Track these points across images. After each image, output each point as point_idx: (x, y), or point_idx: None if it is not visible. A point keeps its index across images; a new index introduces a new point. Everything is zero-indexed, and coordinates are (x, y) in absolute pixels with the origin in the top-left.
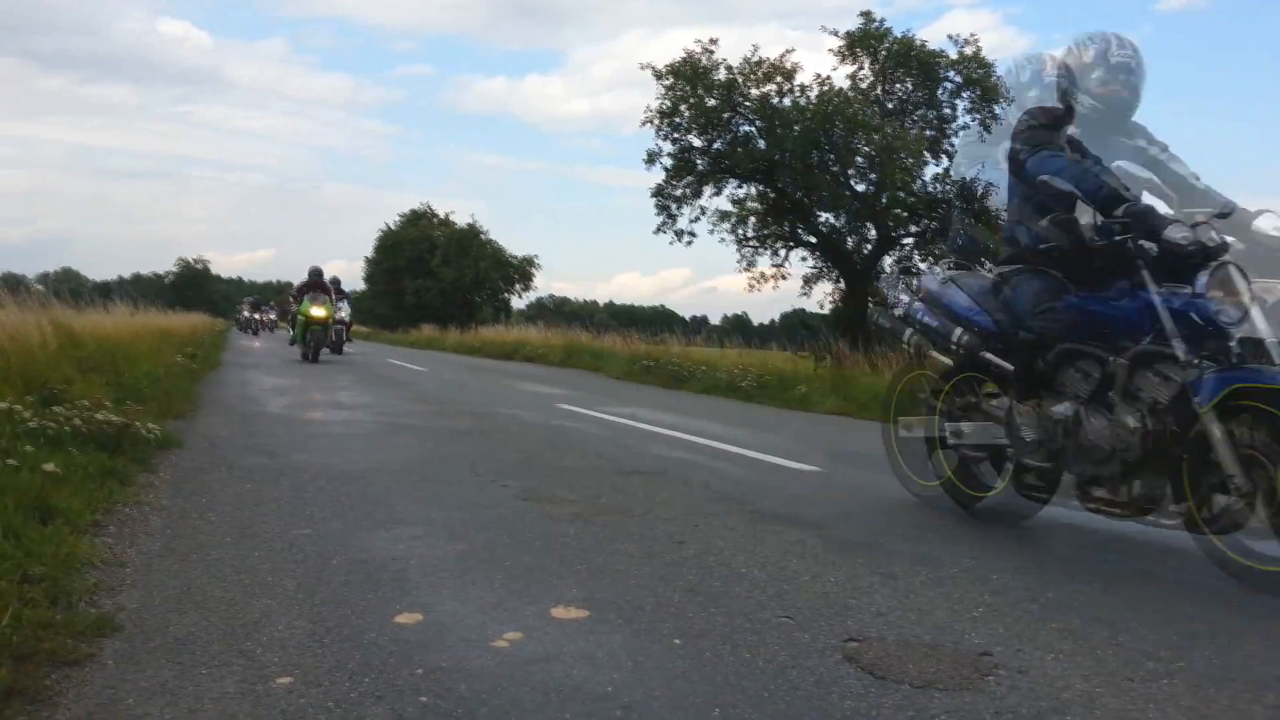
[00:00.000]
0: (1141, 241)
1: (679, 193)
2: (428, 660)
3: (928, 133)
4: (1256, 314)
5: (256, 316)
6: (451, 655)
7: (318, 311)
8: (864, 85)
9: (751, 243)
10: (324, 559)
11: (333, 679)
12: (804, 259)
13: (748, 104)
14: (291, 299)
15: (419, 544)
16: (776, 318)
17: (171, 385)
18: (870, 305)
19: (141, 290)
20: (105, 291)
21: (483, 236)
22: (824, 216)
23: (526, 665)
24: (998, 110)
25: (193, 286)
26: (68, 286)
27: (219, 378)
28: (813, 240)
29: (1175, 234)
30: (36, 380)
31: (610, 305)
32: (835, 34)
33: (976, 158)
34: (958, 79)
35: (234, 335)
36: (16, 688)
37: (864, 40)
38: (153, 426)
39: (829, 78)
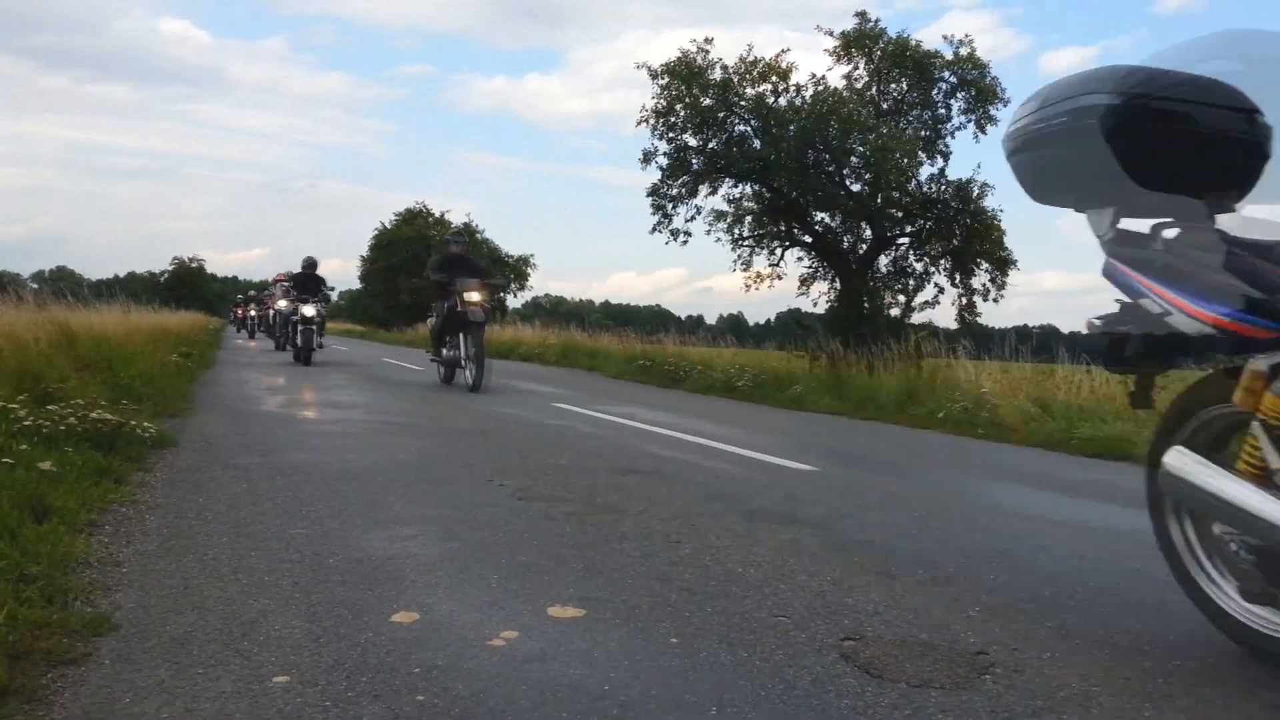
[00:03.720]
0: None
1: (674, 192)
2: (425, 659)
3: (923, 133)
4: None
5: (307, 312)
6: (448, 654)
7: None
8: (859, 85)
9: (747, 242)
10: (321, 558)
11: (330, 678)
12: (800, 259)
13: (743, 104)
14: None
15: (415, 543)
16: (772, 317)
17: (166, 384)
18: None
19: (136, 289)
20: (100, 290)
21: (478, 235)
22: (819, 216)
23: (523, 664)
24: (992, 111)
25: (187, 285)
26: (63, 285)
27: (214, 377)
28: (808, 240)
29: None
30: (32, 379)
31: (606, 305)
32: (830, 34)
33: None
34: (953, 79)
35: (230, 337)
36: (13, 686)
37: (859, 41)
38: (148, 425)
39: (824, 78)
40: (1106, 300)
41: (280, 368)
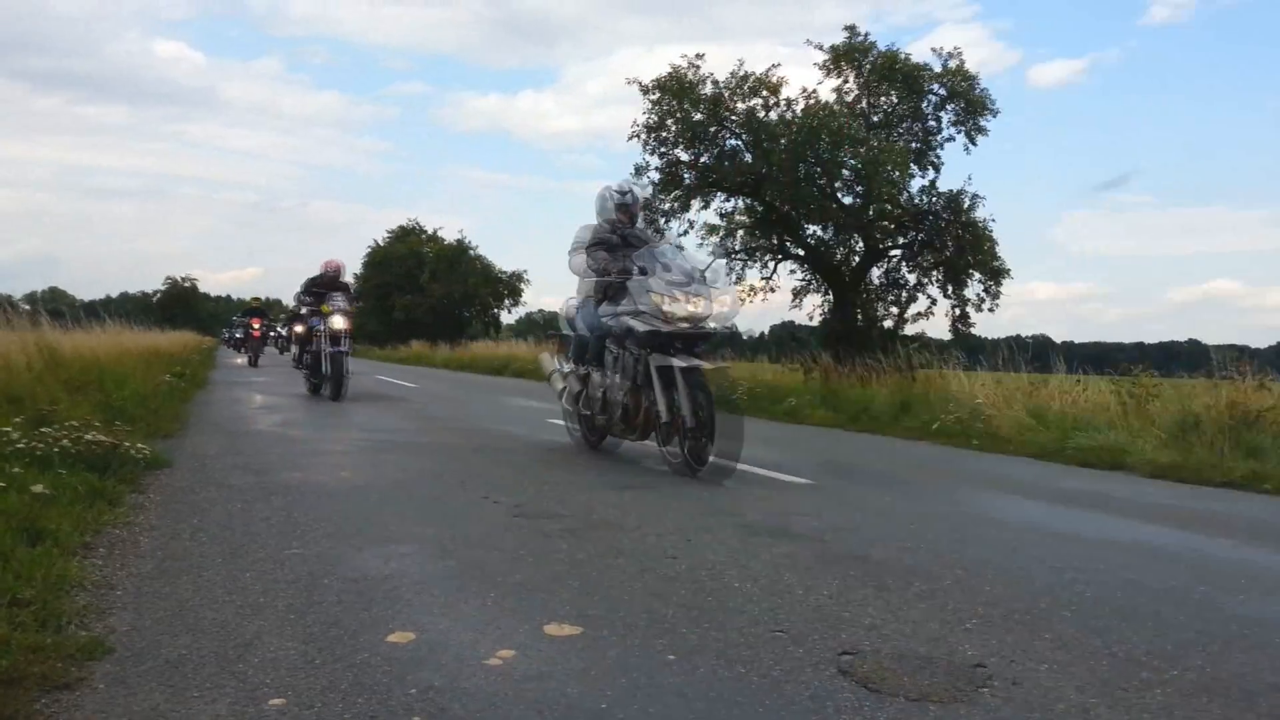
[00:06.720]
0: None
1: (667, 206)
2: (421, 680)
3: (913, 145)
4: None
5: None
6: (445, 674)
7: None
8: (849, 99)
9: (740, 256)
10: (315, 578)
11: (325, 700)
12: (792, 271)
13: (734, 118)
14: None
15: (411, 562)
16: (765, 330)
17: (160, 404)
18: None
19: (129, 309)
20: (93, 311)
21: (471, 252)
22: (811, 229)
23: (520, 683)
24: (983, 122)
25: (180, 305)
26: (55, 306)
27: (207, 396)
28: (801, 253)
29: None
30: (25, 401)
31: None
32: (820, 48)
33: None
34: (942, 92)
35: (223, 354)
36: (6, 712)
37: (849, 54)
38: (141, 446)
39: (814, 91)
40: (1099, 309)
41: (270, 386)
